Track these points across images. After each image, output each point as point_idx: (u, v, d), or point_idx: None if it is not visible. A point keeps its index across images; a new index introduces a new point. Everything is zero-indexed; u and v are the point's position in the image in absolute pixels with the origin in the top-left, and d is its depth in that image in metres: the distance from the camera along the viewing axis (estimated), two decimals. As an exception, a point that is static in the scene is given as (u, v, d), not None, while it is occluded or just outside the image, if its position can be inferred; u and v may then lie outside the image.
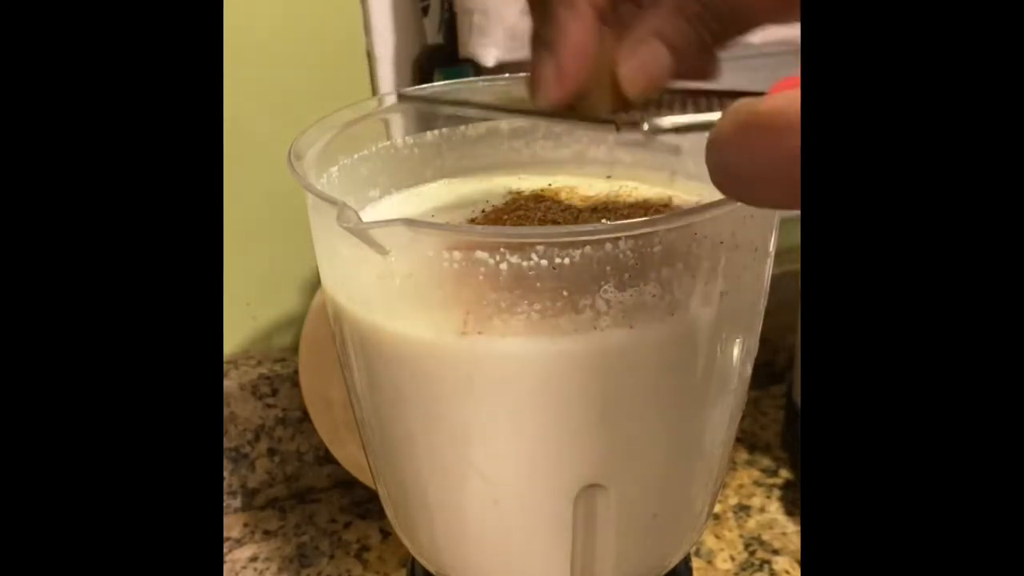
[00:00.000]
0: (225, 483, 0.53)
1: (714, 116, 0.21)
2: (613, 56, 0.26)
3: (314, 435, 0.52)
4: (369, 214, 0.32)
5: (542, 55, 0.26)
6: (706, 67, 0.27)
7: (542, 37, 0.26)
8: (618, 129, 0.25)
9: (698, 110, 0.25)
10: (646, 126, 0.25)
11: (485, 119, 0.36)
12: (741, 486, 0.54)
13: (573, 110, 0.27)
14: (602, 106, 0.26)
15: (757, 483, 0.55)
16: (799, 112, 0.17)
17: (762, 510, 0.52)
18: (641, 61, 0.26)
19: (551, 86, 0.26)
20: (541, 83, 0.26)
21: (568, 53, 0.26)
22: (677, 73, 0.26)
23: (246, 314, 0.53)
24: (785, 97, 0.17)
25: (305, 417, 0.52)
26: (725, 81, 0.27)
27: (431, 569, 0.34)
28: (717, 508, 0.52)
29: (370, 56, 0.49)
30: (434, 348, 0.27)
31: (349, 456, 0.49)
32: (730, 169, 0.18)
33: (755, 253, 0.28)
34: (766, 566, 0.48)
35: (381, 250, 0.25)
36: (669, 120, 0.25)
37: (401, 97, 0.34)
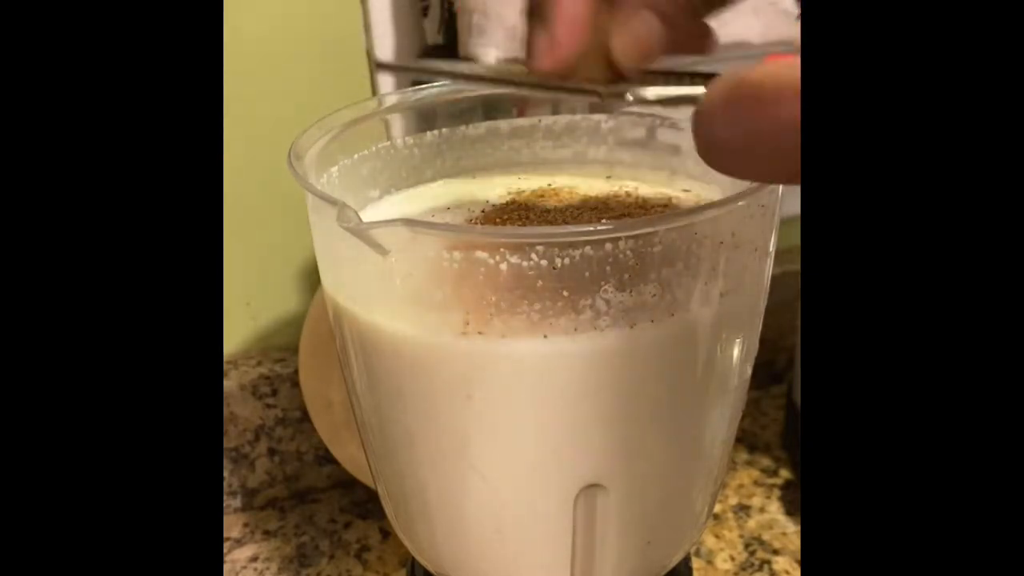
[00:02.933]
0: (225, 483, 0.53)
1: (700, 90, 0.21)
2: (606, 27, 0.26)
3: (314, 435, 0.52)
4: (369, 214, 0.32)
5: (536, 25, 0.26)
6: (701, 41, 0.27)
7: (536, 6, 0.26)
8: (602, 98, 0.25)
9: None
10: (630, 96, 0.25)
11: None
12: (741, 486, 0.54)
13: (565, 80, 0.26)
14: (595, 77, 0.26)
15: (757, 483, 0.55)
16: (788, 80, 0.16)
17: (762, 510, 0.52)
18: (634, 32, 0.26)
19: (544, 56, 0.26)
20: (535, 52, 0.26)
21: (562, 23, 0.25)
22: (671, 46, 0.26)
23: (246, 314, 0.53)
24: (774, 65, 0.17)
25: (305, 417, 0.52)
26: None
27: (431, 569, 0.34)
28: (717, 508, 0.52)
29: (370, 56, 0.49)
30: (434, 348, 0.27)
31: (349, 456, 0.49)
32: (718, 141, 0.18)
33: (755, 253, 0.28)
34: (766, 566, 0.48)
35: (381, 250, 0.25)
36: (654, 91, 0.24)
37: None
